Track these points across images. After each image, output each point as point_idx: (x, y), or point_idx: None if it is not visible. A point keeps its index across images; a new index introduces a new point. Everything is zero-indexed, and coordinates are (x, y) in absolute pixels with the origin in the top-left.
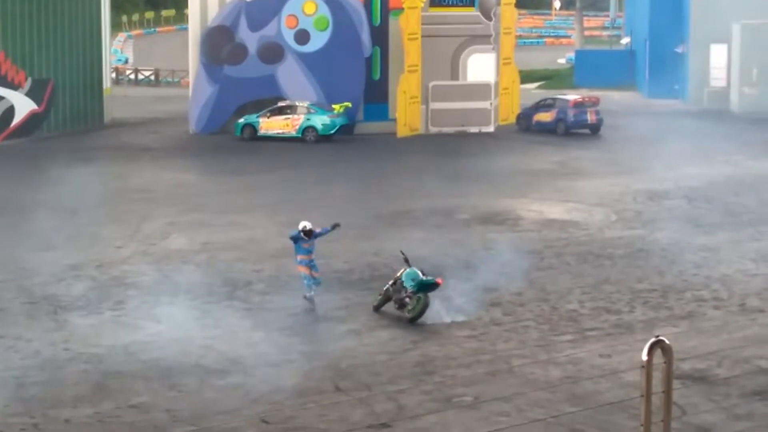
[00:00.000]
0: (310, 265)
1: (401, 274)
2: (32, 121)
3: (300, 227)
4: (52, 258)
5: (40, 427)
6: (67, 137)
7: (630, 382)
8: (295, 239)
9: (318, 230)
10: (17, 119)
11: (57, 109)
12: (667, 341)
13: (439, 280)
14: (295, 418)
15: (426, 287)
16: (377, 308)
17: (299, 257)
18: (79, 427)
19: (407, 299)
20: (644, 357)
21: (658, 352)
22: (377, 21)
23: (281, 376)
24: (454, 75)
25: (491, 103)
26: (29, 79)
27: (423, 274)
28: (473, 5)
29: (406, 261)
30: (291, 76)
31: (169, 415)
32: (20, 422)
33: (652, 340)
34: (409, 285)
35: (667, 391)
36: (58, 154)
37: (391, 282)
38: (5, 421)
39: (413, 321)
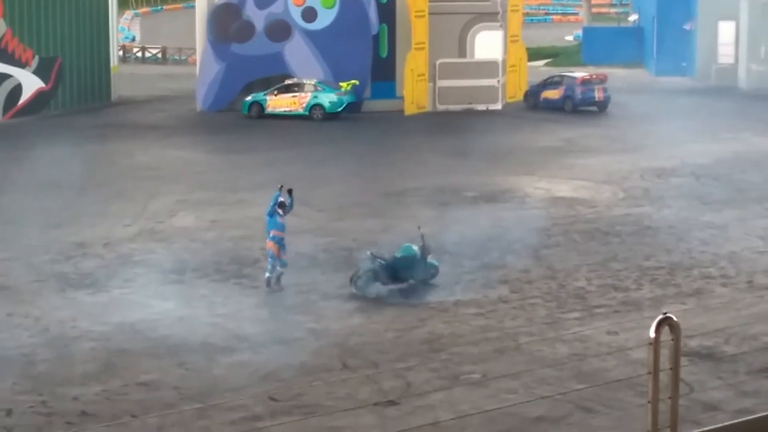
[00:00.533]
0: (281, 244)
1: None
2: (40, 99)
3: (278, 200)
4: (60, 236)
5: (48, 405)
6: (74, 115)
7: (637, 359)
8: (271, 213)
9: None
10: (25, 97)
11: (64, 87)
12: (674, 318)
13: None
14: (302, 396)
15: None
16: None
17: (272, 233)
18: (87, 404)
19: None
20: (652, 334)
21: (665, 329)
22: None
23: (289, 354)
24: (462, 52)
25: (499, 81)
26: (36, 57)
27: (422, 255)
28: None
29: (422, 238)
30: (298, 53)
31: (177, 392)
32: (28, 400)
33: (660, 317)
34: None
35: (675, 368)
36: (65, 132)
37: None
38: (13, 398)
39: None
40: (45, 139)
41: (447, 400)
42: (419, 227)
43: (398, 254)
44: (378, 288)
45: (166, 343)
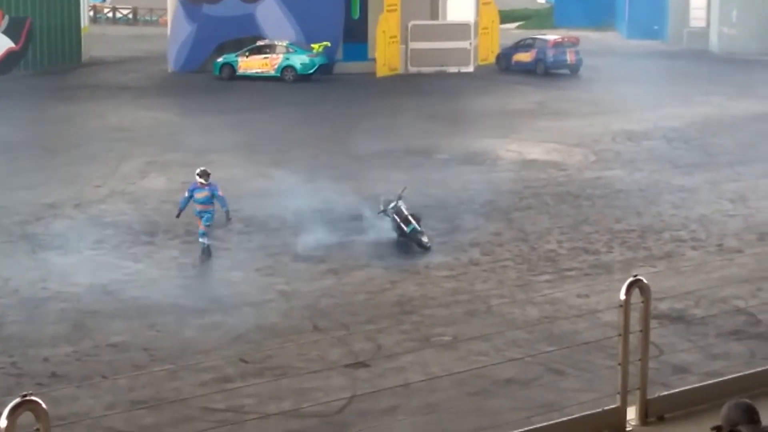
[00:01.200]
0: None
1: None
2: (9, 60)
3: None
4: (31, 197)
5: (18, 366)
6: (44, 76)
7: (608, 321)
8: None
9: (220, 193)
10: None
11: (34, 48)
12: (644, 281)
13: None
14: (273, 357)
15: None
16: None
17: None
18: (58, 365)
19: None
20: (622, 296)
21: (636, 291)
22: None
23: (259, 316)
24: (434, 14)
25: (471, 43)
26: (6, 17)
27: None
28: None
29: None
30: (270, 14)
31: (147, 353)
32: None
33: (630, 279)
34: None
35: (645, 331)
36: (35, 93)
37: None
38: None
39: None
40: (14, 99)
41: (417, 361)
42: (404, 188)
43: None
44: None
45: (137, 304)
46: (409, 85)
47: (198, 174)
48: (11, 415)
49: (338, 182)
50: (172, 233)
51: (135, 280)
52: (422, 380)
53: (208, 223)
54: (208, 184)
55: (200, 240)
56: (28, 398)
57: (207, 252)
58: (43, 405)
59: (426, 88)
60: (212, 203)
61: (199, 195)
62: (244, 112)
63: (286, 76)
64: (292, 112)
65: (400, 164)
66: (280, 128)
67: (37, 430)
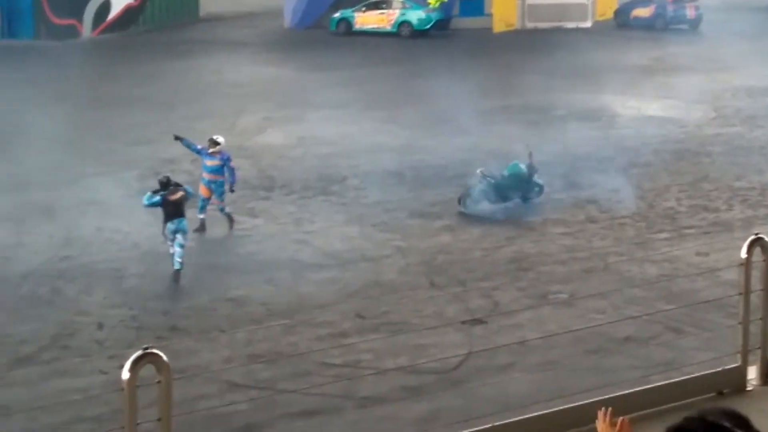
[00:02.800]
0: (210, 186)
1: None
2: (128, 15)
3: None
4: (149, 152)
5: (138, 319)
6: (162, 31)
7: (728, 280)
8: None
9: (232, 164)
10: (113, 13)
11: (153, 3)
12: (766, 239)
13: None
14: (389, 313)
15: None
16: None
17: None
18: (177, 319)
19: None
20: (743, 255)
21: (757, 250)
22: None
23: (376, 271)
24: None
25: None
26: None
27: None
28: None
29: (530, 156)
30: None
31: (265, 308)
32: (119, 314)
33: (752, 237)
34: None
35: (766, 290)
36: (153, 48)
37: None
38: (105, 312)
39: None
40: (133, 55)
41: (534, 319)
42: (527, 146)
43: (506, 172)
44: (486, 206)
45: (255, 259)
46: (525, 40)
47: (209, 141)
48: (133, 368)
49: (455, 138)
50: (288, 188)
51: (252, 235)
52: (539, 337)
53: (222, 198)
54: (220, 153)
55: (199, 215)
56: (149, 351)
57: (202, 227)
58: (165, 358)
59: (543, 43)
60: (222, 173)
61: (210, 163)
62: (360, 68)
63: (402, 31)
64: (408, 67)
65: (518, 120)
66: (395, 84)
67: (159, 382)
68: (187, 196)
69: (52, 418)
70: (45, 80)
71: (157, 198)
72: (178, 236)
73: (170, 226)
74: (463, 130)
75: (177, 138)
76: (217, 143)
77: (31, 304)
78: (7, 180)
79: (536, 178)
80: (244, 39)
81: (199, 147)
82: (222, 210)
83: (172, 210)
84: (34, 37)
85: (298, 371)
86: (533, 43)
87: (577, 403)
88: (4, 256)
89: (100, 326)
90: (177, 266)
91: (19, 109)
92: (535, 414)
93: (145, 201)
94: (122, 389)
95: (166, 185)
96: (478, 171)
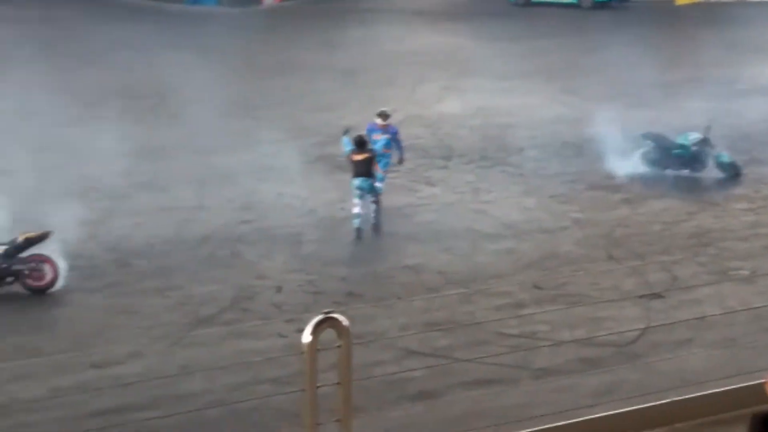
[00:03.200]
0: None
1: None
2: None
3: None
4: (329, 118)
5: (315, 284)
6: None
7: None
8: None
9: (399, 137)
10: None
11: None
12: None
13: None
14: (566, 285)
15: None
16: None
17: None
18: (354, 285)
19: None
20: None
21: None
22: None
23: (554, 243)
24: None
25: None
26: None
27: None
28: None
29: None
30: None
31: (442, 276)
32: (297, 279)
33: None
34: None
35: None
36: (334, 16)
37: None
38: (283, 276)
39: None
40: (314, 22)
41: (714, 294)
42: (708, 120)
43: (679, 140)
44: (643, 169)
45: (432, 228)
46: (708, 13)
47: (378, 114)
48: (315, 332)
49: (634, 110)
50: (467, 158)
51: (430, 204)
52: (719, 314)
53: (385, 168)
54: (387, 126)
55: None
56: (330, 315)
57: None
58: (346, 322)
59: (727, 16)
60: (390, 147)
61: (377, 137)
62: (541, 39)
63: (583, 2)
64: (589, 39)
65: (699, 94)
66: (575, 55)
67: (339, 347)
68: (374, 159)
69: (231, 378)
70: (227, 47)
71: (347, 150)
72: (367, 195)
73: (354, 182)
74: (644, 102)
75: (346, 132)
76: (387, 115)
77: (212, 266)
78: (189, 144)
79: (727, 157)
80: (422, 8)
81: (348, 140)
82: (380, 179)
83: (357, 169)
84: (218, 4)
85: (474, 340)
86: (716, 15)
87: (756, 382)
88: (185, 218)
89: (279, 290)
90: (372, 221)
91: (202, 75)
92: (714, 391)
93: (343, 145)
94: (302, 352)
95: (359, 144)
96: (640, 133)
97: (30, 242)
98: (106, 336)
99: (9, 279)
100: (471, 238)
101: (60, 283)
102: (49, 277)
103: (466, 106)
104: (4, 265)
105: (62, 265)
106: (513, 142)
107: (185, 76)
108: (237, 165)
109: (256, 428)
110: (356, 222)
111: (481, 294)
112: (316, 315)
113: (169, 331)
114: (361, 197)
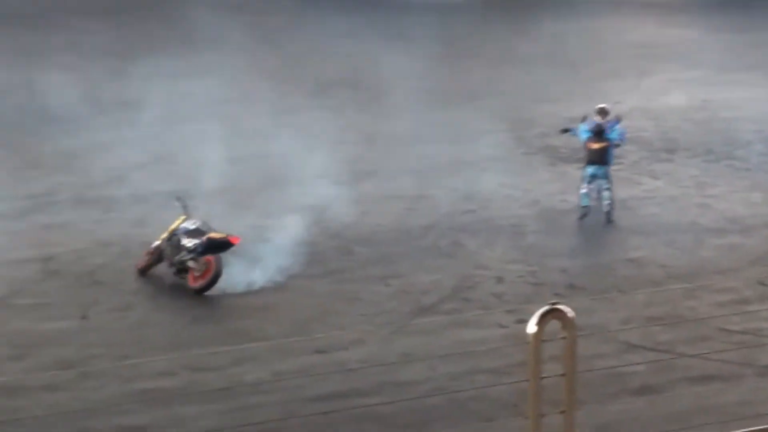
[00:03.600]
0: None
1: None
2: None
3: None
4: (552, 110)
5: (536, 275)
6: None
7: None
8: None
9: (619, 127)
10: None
11: None
12: None
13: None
14: None
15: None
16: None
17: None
18: (575, 277)
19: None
20: None
21: None
22: None
23: None
24: None
25: None
26: None
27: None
28: None
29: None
30: None
31: (664, 270)
32: (518, 269)
33: None
34: None
35: None
36: (557, 7)
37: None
38: (504, 267)
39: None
40: (537, 13)
41: None
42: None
43: None
44: None
45: (655, 221)
46: None
47: (596, 111)
48: (540, 322)
49: None
50: (692, 151)
51: (653, 197)
52: None
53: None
54: (606, 122)
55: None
56: (555, 307)
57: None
58: (571, 314)
59: None
60: (624, 139)
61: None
62: (764, 31)
63: None
64: None
65: None
66: None
67: (564, 338)
68: (610, 148)
69: (451, 367)
70: (447, 38)
71: (584, 137)
72: (598, 182)
73: (588, 170)
74: None
75: (565, 131)
76: (606, 112)
77: (434, 255)
78: (410, 134)
79: None
80: (650, 0)
81: (585, 128)
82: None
83: (592, 156)
84: None
85: (697, 336)
86: None
87: None
88: (408, 207)
89: (500, 280)
90: (605, 209)
91: (422, 65)
92: None
93: (580, 133)
94: (527, 343)
95: (597, 132)
96: None
97: (212, 242)
98: (329, 322)
99: (184, 274)
100: (694, 233)
101: (210, 290)
102: (200, 282)
103: (691, 98)
104: (187, 258)
105: (221, 272)
106: (739, 136)
107: (404, 67)
108: (459, 155)
109: (475, 417)
110: (585, 200)
111: (705, 289)
112: (539, 306)
113: (390, 319)
114: (590, 183)
